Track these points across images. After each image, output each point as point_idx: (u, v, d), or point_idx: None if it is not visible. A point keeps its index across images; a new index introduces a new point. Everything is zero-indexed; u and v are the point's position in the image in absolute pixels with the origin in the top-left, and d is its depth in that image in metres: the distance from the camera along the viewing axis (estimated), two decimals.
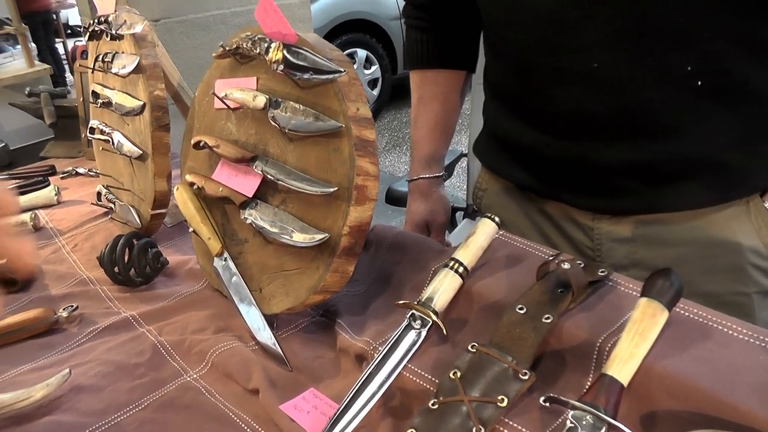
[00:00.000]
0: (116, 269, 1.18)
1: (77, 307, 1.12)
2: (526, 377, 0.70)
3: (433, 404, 0.72)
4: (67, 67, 7.56)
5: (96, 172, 1.75)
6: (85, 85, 1.93)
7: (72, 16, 8.85)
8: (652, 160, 0.92)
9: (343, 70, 0.84)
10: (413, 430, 0.69)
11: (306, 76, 0.87)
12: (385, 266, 1.01)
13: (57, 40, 7.54)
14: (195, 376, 0.92)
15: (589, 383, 0.72)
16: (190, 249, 1.28)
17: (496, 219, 0.88)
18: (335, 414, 0.74)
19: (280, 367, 0.90)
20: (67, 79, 7.47)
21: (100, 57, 1.41)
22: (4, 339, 1.07)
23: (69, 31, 8.62)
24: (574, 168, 0.99)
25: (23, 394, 0.89)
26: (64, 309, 1.11)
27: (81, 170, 1.81)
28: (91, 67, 1.48)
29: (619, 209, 0.99)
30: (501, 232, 0.92)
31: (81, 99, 1.94)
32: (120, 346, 1.01)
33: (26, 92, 2.10)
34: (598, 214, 1.01)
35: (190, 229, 1.08)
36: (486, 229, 0.87)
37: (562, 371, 0.74)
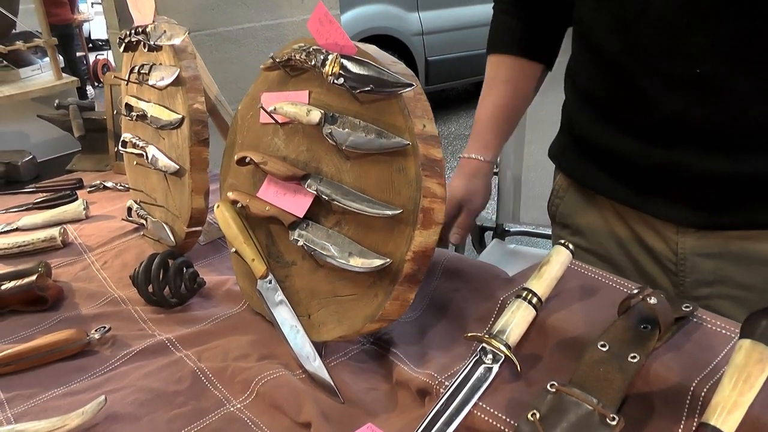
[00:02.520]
0: (150, 289, 1.13)
1: (110, 329, 1.07)
2: (615, 422, 0.64)
3: None
4: (87, 80, 7.62)
5: (125, 187, 1.71)
6: (115, 98, 1.89)
7: (94, 29, 8.91)
8: (753, 174, 0.88)
9: (412, 83, 0.79)
10: None
11: (368, 89, 0.82)
12: (440, 293, 0.95)
13: (79, 53, 7.58)
14: (239, 406, 0.86)
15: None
16: (226, 269, 1.23)
17: (570, 247, 0.83)
18: None
19: (330, 399, 0.84)
20: (87, 93, 7.52)
21: (136, 69, 1.37)
22: (34, 361, 1.02)
23: (90, 45, 8.68)
24: (667, 177, 0.95)
25: (58, 422, 0.84)
26: (96, 330, 1.06)
27: (109, 184, 1.78)
28: (126, 78, 1.44)
29: (709, 223, 0.95)
30: (573, 261, 0.86)
31: (110, 112, 1.90)
32: (157, 371, 0.95)
33: (55, 104, 2.06)
34: (683, 227, 0.97)
35: (232, 249, 1.03)
36: (560, 258, 0.81)
37: (650, 417, 0.68)
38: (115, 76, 1.48)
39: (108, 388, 0.93)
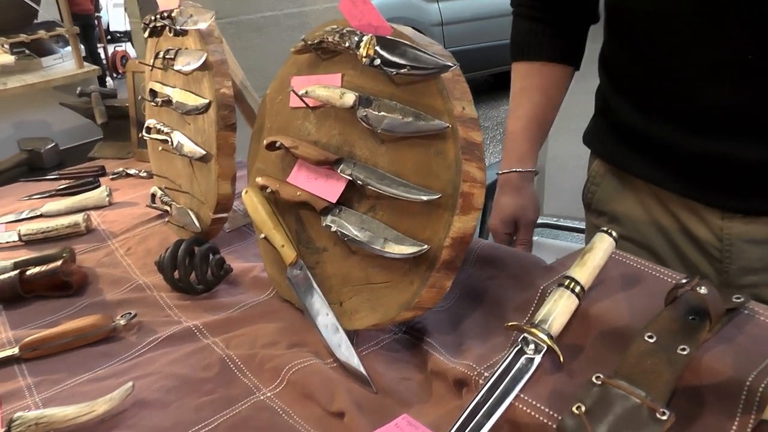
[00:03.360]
0: (176, 275, 1.11)
1: (135, 315, 1.05)
2: (665, 417, 0.61)
3: None
4: (106, 71, 7.65)
5: (148, 174, 1.70)
6: (138, 85, 1.88)
7: (113, 21, 8.94)
8: None
9: (451, 64, 0.76)
10: None
11: (405, 71, 0.79)
12: (475, 281, 0.92)
13: (98, 45, 7.60)
14: (269, 394, 0.84)
15: (734, 428, 0.63)
16: (252, 256, 1.21)
17: (614, 234, 0.80)
18: None
19: (363, 389, 0.81)
20: (107, 84, 7.55)
21: (161, 54, 1.35)
22: (60, 346, 1.00)
23: (109, 37, 8.70)
24: (711, 164, 0.92)
25: (86, 408, 0.82)
26: (122, 316, 1.05)
27: (132, 171, 1.77)
28: (150, 64, 1.42)
29: (757, 209, 0.92)
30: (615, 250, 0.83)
31: (133, 99, 1.89)
32: (184, 358, 0.93)
33: (77, 92, 2.06)
34: (729, 213, 0.94)
35: (261, 236, 1.00)
36: (604, 246, 0.78)
37: (701, 412, 0.65)
38: (139, 62, 1.46)
39: (134, 375, 0.92)
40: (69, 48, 2.72)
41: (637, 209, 1.08)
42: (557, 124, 1.23)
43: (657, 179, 1.02)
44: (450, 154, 0.77)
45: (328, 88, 0.90)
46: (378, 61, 0.81)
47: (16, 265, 1.23)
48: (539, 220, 1.26)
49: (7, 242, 1.42)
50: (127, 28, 8.55)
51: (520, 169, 1.17)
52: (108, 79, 7.84)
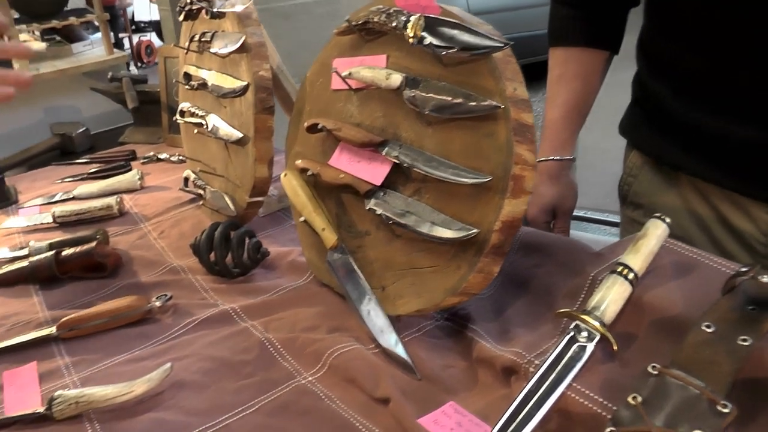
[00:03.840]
0: (212, 258, 1.10)
1: (171, 297, 1.04)
2: (727, 410, 0.59)
3: None
4: (131, 61, 7.68)
5: (180, 159, 1.70)
6: (169, 70, 1.88)
7: (138, 11, 8.98)
8: None
9: (504, 43, 0.74)
10: None
11: (455, 50, 0.77)
12: (518, 268, 0.90)
13: (123, 34, 7.64)
14: (310, 378, 0.82)
15: None
16: (288, 241, 1.20)
17: (667, 220, 0.78)
18: None
19: (406, 375, 0.80)
20: (131, 72, 7.58)
21: (196, 37, 1.35)
22: (97, 326, 1.00)
23: (134, 27, 8.75)
24: (759, 155, 0.89)
25: (125, 388, 0.82)
26: (157, 298, 1.04)
27: (162, 156, 1.76)
28: (186, 47, 1.41)
29: None
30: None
31: (164, 84, 1.89)
32: (222, 341, 0.93)
33: (108, 77, 2.06)
34: None
35: (300, 219, 0.99)
36: (657, 232, 0.76)
37: (763, 406, 0.63)
38: (174, 45, 1.46)
39: (171, 356, 0.91)
40: (98, 35, 2.73)
41: (676, 202, 1.05)
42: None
43: (699, 171, 0.99)
44: (501, 136, 0.75)
45: (373, 69, 0.89)
46: (428, 41, 0.79)
47: (51, 246, 1.23)
48: None
49: (42, 224, 1.42)
50: (152, 18, 8.60)
51: (559, 158, 1.16)
52: (132, 67, 7.88)
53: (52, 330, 0.99)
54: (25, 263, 1.18)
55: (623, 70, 1.25)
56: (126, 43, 7.97)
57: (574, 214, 2.30)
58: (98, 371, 0.91)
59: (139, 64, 8.23)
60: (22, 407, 0.84)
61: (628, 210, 1.16)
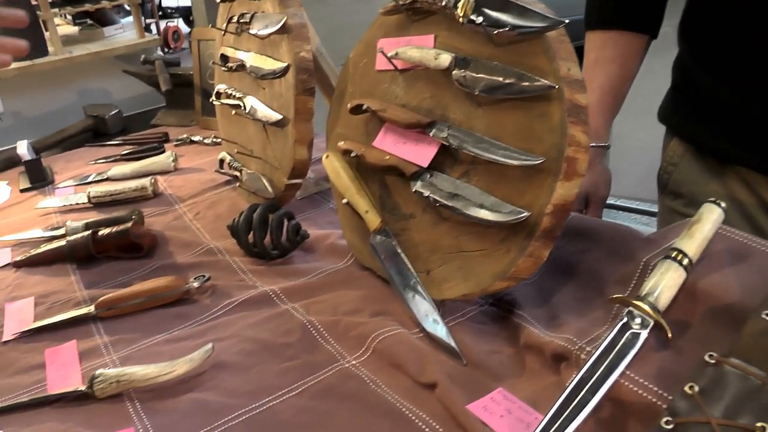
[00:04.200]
0: (251, 240, 1.10)
1: (209, 278, 1.04)
2: None
3: (666, 423, 0.59)
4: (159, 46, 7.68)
5: (213, 141, 1.69)
6: (203, 53, 1.87)
7: None
8: None
9: (559, 21, 0.72)
10: None
11: (508, 29, 0.75)
12: (564, 254, 0.88)
13: (150, 20, 7.67)
14: (354, 362, 0.81)
15: None
16: (326, 224, 1.19)
17: (723, 205, 0.75)
18: (544, 422, 0.62)
19: (451, 361, 0.78)
20: None
21: (234, 18, 1.34)
22: (134, 306, 1.00)
23: (161, 13, 8.77)
24: None
25: (166, 368, 0.81)
26: (195, 279, 1.04)
27: (196, 138, 1.76)
28: (223, 29, 1.40)
29: None
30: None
31: (197, 67, 1.89)
32: (263, 322, 0.92)
33: (141, 59, 2.06)
34: None
35: (344, 201, 0.98)
36: (712, 217, 0.74)
37: None
38: (212, 27, 1.45)
39: (211, 337, 0.90)
40: (129, 18, 2.75)
41: (719, 191, 1.02)
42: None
43: (745, 159, 0.97)
44: (555, 117, 0.73)
45: (421, 49, 0.87)
46: (480, 19, 0.77)
47: (87, 226, 1.23)
48: None
49: (77, 204, 1.43)
50: (179, 3, 8.62)
51: (593, 144, 1.13)
52: (160, 53, 7.92)
53: (91, 309, 0.99)
54: (62, 242, 1.19)
55: (654, 56, 1.22)
56: (153, 28, 8.00)
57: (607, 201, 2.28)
58: (137, 350, 0.91)
59: (166, 50, 8.26)
60: (64, 385, 0.84)
61: (667, 199, 1.14)
